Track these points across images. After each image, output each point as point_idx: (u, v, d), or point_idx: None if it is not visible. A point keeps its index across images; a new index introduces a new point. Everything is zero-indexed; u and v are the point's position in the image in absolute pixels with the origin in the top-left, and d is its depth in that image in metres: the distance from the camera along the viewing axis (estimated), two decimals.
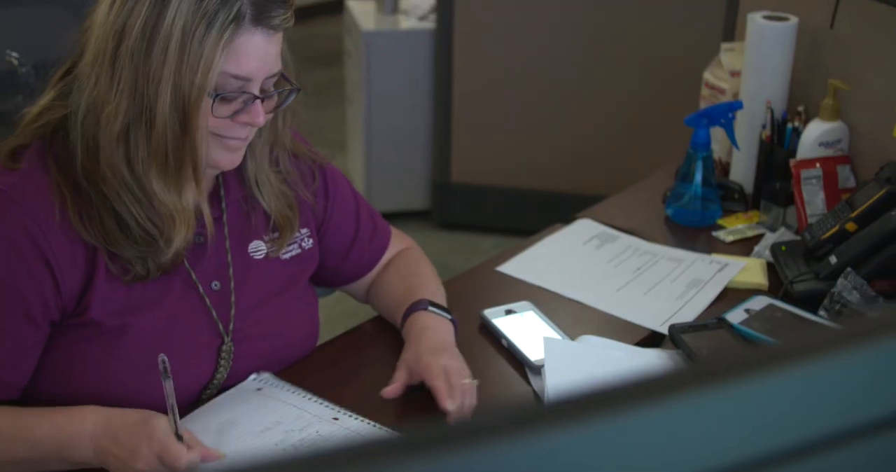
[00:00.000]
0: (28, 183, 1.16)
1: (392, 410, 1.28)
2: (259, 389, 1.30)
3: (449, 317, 1.38)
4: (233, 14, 1.12)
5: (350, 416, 1.26)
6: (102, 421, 1.14)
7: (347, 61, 3.71)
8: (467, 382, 1.26)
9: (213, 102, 1.14)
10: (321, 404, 1.28)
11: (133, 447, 1.10)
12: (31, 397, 1.21)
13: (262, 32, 1.15)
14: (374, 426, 1.25)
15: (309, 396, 1.29)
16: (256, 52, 1.15)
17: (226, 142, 1.19)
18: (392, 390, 1.27)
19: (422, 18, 3.45)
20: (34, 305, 1.15)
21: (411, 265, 1.49)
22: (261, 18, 1.14)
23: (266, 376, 1.32)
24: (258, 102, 1.18)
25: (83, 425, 1.14)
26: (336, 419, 1.25)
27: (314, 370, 1.36)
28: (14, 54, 1.82)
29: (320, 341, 1.45)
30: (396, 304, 1.43)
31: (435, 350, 1.29)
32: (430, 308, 1.38)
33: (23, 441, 1.15)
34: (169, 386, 1.11)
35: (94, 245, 1.17)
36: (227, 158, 1.21)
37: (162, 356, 1.11)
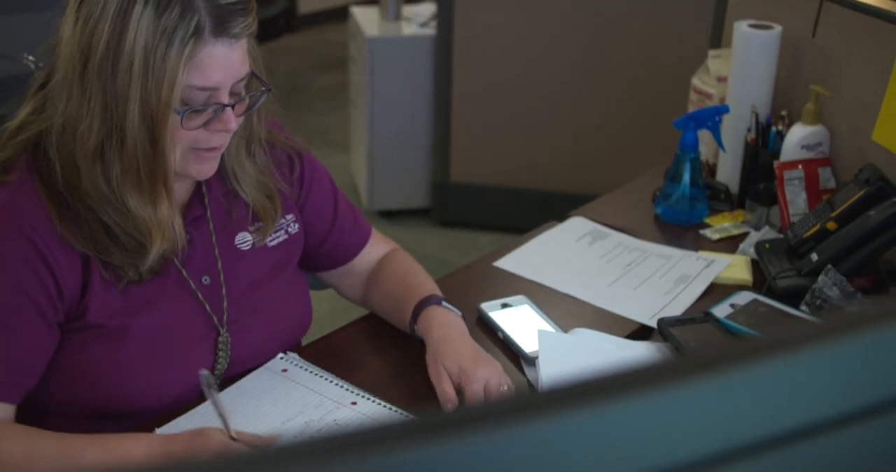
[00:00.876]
0: (21, 196, 1.14)
1: (406, 391, 1.29)
2: (285, 369, 1.31)
3: (459, 313, 1.37)
4: (192, 29, 1.07)
5: (368, 399, 1.27)
6: (157, 441, 1.11)
7: (352, 66, 3.71)
8: (505, 389, 1.24)
9: (182, 117, 1.11)
10: (341, 387, 1.29)
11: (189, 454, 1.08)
12: (37, 400, 1.19)
13: (224, 42, 1.10)
14: (391, 409, 1.25)
15: (330, 378, 1.30)
16: (220, 63, 1.10)
17: (202, 154, 1.17)
18: (451, 398, 1.23)
19: (423, 25, 3.45)
20: (45, 306, 1.14)
21: (405, 266, 1.48)
22: (221, 29, 1.09)
23: (293, 356, 1.34)
24: (228, 109, 1.14)
25: (135, 443, 1.11)
26: (354, 403, 1.26)
27: (328, 356, 1.37)
28: (31, 58, 1.81)
29: (323, 333, 1.45)
30: (399, 302, 1.41)
31: (474, 360, 1.26)
32: (444, 304, 1.36)
33: (70, 465, 1.10)
34: (215, 396, 1.10)
35: (86, 254, 1.15)
36: (202, 170, 1.19)
37: (204, 371, 1.09)
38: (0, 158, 1.17)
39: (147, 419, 1.21)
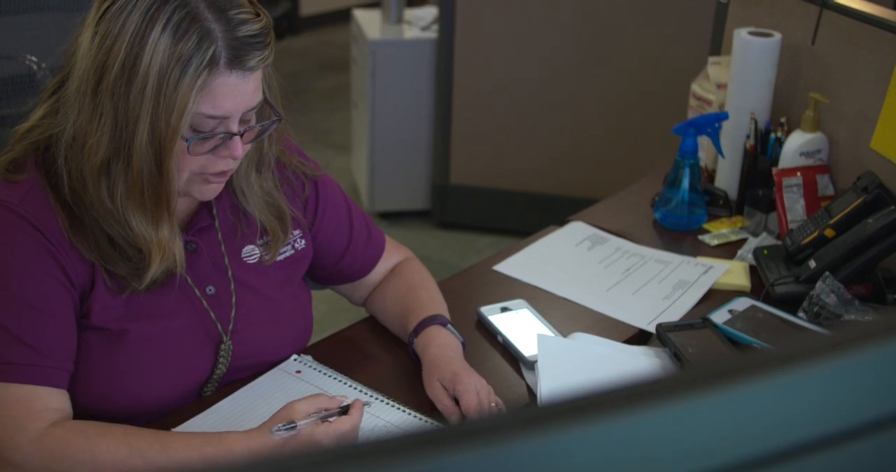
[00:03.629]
0: (32, 197, 1.13)
1: (418, 391, 1.28)
2: (298, 371, 1.31)
3: (461, 339, 1.35)
4: (207, 59, 1.06)
5: (382, 401, 1.26)
6: (257, 443, 1.10)
7: (354, 68, 3.70)
8: (494, 406, 1.22)
9: (189, 144, 1.10)
10: (355, 389, 1.28)
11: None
12: None
13: (238, 74, 1.09)
14: (405, 411, 1.24)
15: (344, 380, 1.30)
16: (232, 93, 1.09)
17: (207, 178, 1.16)
18: (454, 410, 1.22)
19: (425, 29, 3.44)
20: (70, 290, 1.14)
21: (417, 278, 1.46)
22: (236, 62, 1.08)
23: (307, 358, 1.33)
24: (237, 137, 1.13)
25: (235, 446, 1.10)
26: (367, 405, 1.25)
27: (337, 355, 1.37)
28: (33, 58, 1.81)
29: (323, 335, 1.44)
30: (403, 314, 1.39)
31: (466, 369, 1.26)
32: (448, 327, 1.35)
33: (175, 468, 1.08)
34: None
35: (92, 261, 1.15)
36: (205, 192, 1.18)
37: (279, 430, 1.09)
38: (9, 158, 1.16)
39: (144, 420, 1.20)
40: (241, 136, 1.14)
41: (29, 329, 1.12)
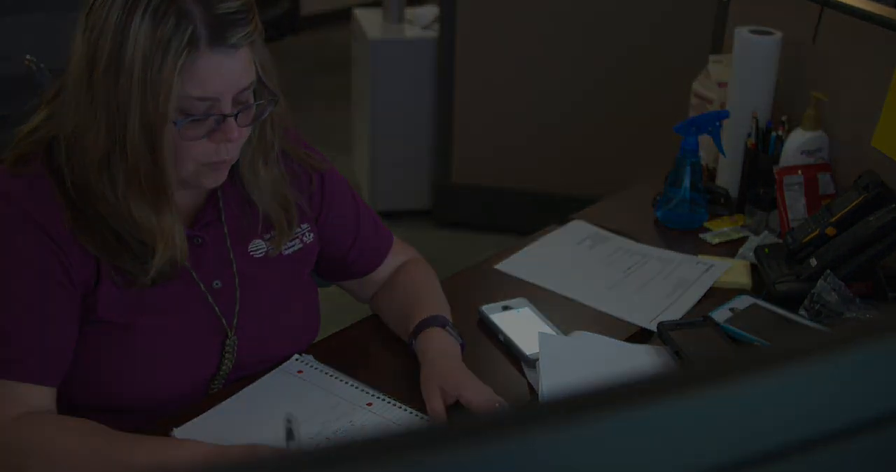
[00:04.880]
0: (37, 190, 1.13)
1: (419, 390, 1.27)
2: (300, 371, 1.31)
3: (461, 340, 1.34)
4: (186, 39, 1.05)
5: (383, 400, 1.26)
6: (203, 451, 1.10)
7: (355, 67, 3.70)
8: (498, 406, 1.23)
9: (180, 127, 1.09)
10: (357, 388, 1.28)
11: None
12: None
13: (222, 52, 1.08)
14: (406, 410, 1.24)
15: (345, 379, 1.30)
16: (218, 72, 1.08)
17: (212, 166, 1.15)
18: (443, 415, 1.21)
19: (426, 27, 3.45)
20: (69, 288, 1.14)
21: (421, 278, 1.46)
22: (217, 39, 1.07)
23: (308, 357, 1.33)
24: (230, 119, 1.12)
25: (179, 452, 1.10)
26: (370, 403, 1.25)
27: (340, 354, 1.37)
28: (32, 58, 1.80)
29: (325, 334, 1.44)
30: (404, 314, 1.39)
31: (470, 378, 1.25)
32: (447, 328, 1.34)
33: (119, 462, 1.09)
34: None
35: (97, 256, 1.15)
36: (211, 179, 1.17)
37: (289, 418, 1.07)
38: (17, 154, 1.16)
39: (148, 416, 1.21)
40: (237, 117, 1.13)
41: (17, 325, 1.12)
